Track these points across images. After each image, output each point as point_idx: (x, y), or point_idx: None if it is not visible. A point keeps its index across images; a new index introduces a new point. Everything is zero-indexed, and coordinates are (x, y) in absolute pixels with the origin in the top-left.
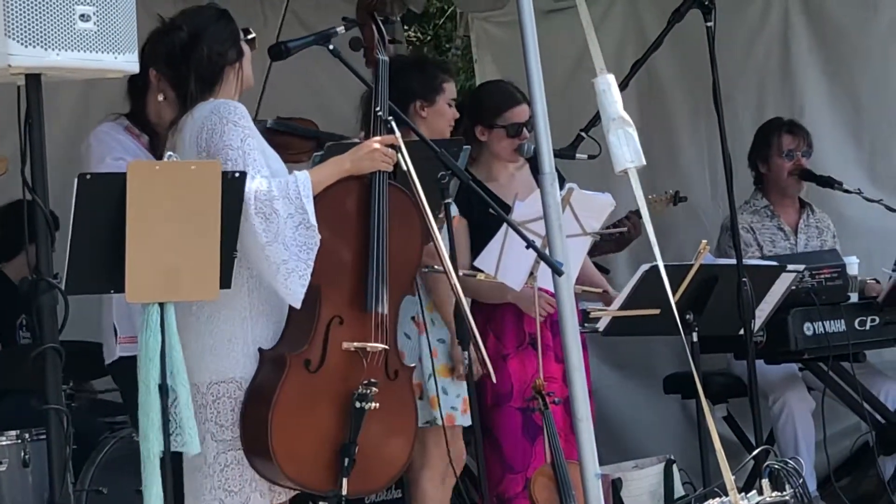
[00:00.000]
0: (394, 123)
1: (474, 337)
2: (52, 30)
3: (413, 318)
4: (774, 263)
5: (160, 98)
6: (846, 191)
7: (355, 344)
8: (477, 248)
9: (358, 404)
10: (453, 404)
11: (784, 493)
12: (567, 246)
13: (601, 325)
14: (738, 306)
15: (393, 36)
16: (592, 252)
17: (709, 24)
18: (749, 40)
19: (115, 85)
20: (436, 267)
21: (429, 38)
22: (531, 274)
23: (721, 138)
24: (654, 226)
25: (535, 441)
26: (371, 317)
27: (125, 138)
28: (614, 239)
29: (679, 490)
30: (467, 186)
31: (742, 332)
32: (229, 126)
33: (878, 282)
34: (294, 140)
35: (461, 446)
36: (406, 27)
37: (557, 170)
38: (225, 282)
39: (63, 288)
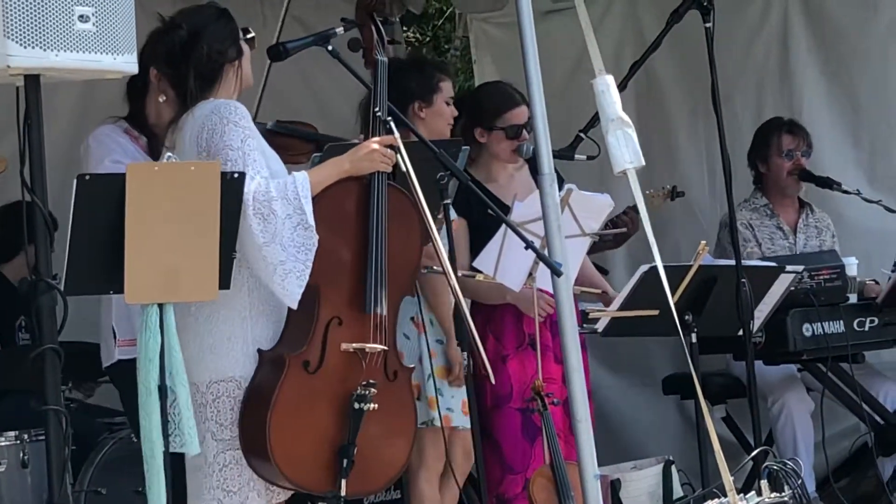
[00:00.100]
0: (392, 124)
1: (473, 339)
2: (50, 31)
3: (412, 318)
4: (773, 264)
5: (161, 98)
6: (845, 191)
7: (354, 345)
8: (476, 248)
9: (356, 405)
10: (450, 405)
11: (783, 494)
12: (566, 247)
13: (600, 326)
14: (737, 307)
15: (392, 37)
16: (590, 249)
17: (708, 24)
18: (748, 41)
19: (114, 86)
20: (435, 268)
21: (428, 39)
22: (530, 275)
23: (720, 139)
24: (651, 223)
25: (535, 442)
26: (370, 318)
27: (124, 140)
28: (612, 237)
29: (678, 491)
30: (466, 187)
31: (741, 332)
32: (230, 126)
33: (877, 283)
34: (294, 141)
35: (468, 448)
36: (405, 28)
37: (556, 170)
38: (224, 282)
39: (62, 289)
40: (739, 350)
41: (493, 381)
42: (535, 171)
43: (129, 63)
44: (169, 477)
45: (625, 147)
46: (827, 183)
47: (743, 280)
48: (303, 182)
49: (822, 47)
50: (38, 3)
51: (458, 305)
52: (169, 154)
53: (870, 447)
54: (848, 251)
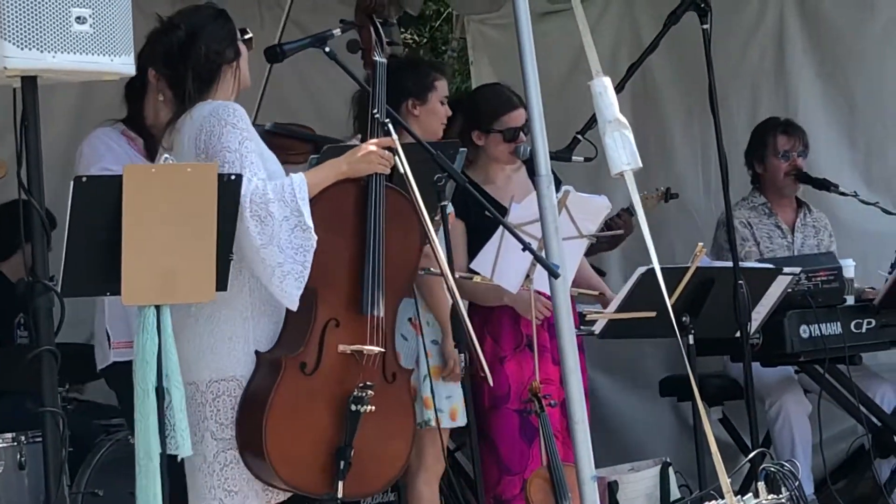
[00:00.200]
0: (390, 126)
1: (471, 340)
2: (47, 32)
3: (410, 319)
4: (770, 266)
5: (160, 98)
6: (842, 193)
7: (351, 347)
8: (474, 250)
9: (353, 407)
10: (441, 406)
11: (780, 495)
12: (563, 248)
13: (597, 328)
14: (734, 309)
15: (391, 38)
16: (586, 251)
17: (705, 26)
18: (744, 42)
19: (111, 87)
20: (432, 269)
21: (425, 40)
22: (527, 276)
23: (717, 140)
24: (647, 223)
25: (533, 443)
26: (367, 319)
27: (119, 144)
28: (607, 239)
29: (675, 493)
30: (464, 189)
31: (738, 334)
32: (228, 128)
33: (874, 290)
34: (292, 142)
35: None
36: (402, 29)
37: (553, 172)
38: (221, 284)
39: (59, 290)
40: (737, 352)
41: (490, 383)
42: (532, 172)
43: (126, 64)
44: (167, 479)
45: (622, 149)
46: (825, 185)
47: (740, 282)
48: (300, 184)
49: (818, 48)
50: (35, 5)
51: (455, 307)
52: (166, 156)
53: (867, 449)
54: (844, 253)
